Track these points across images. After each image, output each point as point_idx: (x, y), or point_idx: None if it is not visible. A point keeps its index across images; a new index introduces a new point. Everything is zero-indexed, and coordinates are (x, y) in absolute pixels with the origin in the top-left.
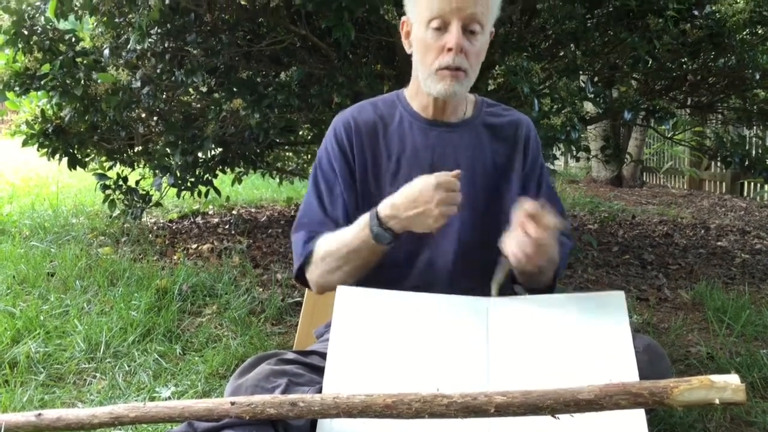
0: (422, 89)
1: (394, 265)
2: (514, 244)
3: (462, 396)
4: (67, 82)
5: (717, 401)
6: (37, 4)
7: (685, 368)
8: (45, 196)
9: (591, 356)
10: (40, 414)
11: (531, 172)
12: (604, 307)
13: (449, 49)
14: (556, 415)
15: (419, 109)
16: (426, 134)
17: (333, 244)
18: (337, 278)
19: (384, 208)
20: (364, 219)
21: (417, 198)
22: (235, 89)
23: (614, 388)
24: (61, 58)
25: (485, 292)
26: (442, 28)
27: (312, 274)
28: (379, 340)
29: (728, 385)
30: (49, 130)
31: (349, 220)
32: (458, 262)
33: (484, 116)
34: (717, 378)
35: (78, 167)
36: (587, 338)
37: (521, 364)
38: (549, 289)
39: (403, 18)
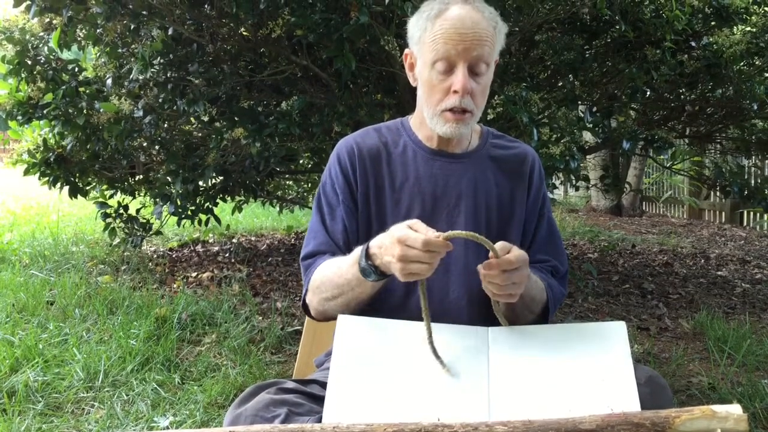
0: (427, 124)
1: (397, 298)
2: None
3: (463, 426)
4: (70, 111)
5: (719, 431)
6: (41, 34)
7: (686, 398)
8: (45, 225)
9: (592, 386)
10: None
11: (533, 204)
12: (606, 338)
13: (455, 91)
14: None
15: (424, 139)
16: (430, 164)
17: (329, 272)
18: (333, 307)
19: (373, 244)
20: (357, 251)
21: (387, 246)
22: (236, 118)
23: (616, 418)
24: (63, 87)
25: (491, 324)
26: (448, 70)
27: (311, 300)
28: (380, 368)
29: (730, 415)
30: (51, 159)
31: (349, 245)
32: (465, 294)
33: (490, 148)
34: (719, 408)
35: (79, 196)
36: (588, 368)
37: (522, 394)
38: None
39: (407, 51)
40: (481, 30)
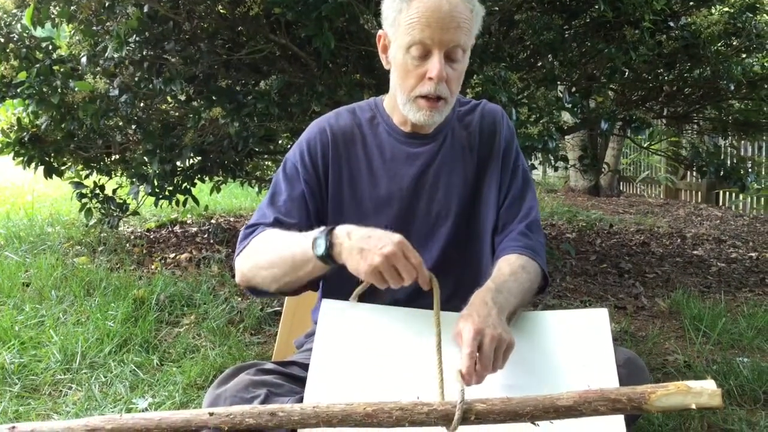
0: (400, 109)
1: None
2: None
3: (442, 404)
4: (44, 90)
5: (694, 406)
6: (14, 11)
7: (662, 376)
8: (20, 206)
9: (573, 373)
10: (14, 427)
11: (506, 156)
12: (588, 325)
13: (430, 78)
14: (536, 423)
15: (398, 123)
16: (406, 146)
17: (273, 240)
18: (264, 276)
19: (342, 226)
20: (314, 230)
21: (375, 239)
22: (214, 98)
23: (593, 394)
24: (37, 66)
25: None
26: (423, 55)
27: (242, 265)
28: (361, 352)
29: (704, 390)
30: (26, 139)
31: (304, 225)
32: (439, 274)
33: (458, 117)
34: (693, 383)
35: (54, 176)
36: (569, 354)
37: (502, 378)
38: (541, 288)
39: (380, 32)
40: (459, 15)
